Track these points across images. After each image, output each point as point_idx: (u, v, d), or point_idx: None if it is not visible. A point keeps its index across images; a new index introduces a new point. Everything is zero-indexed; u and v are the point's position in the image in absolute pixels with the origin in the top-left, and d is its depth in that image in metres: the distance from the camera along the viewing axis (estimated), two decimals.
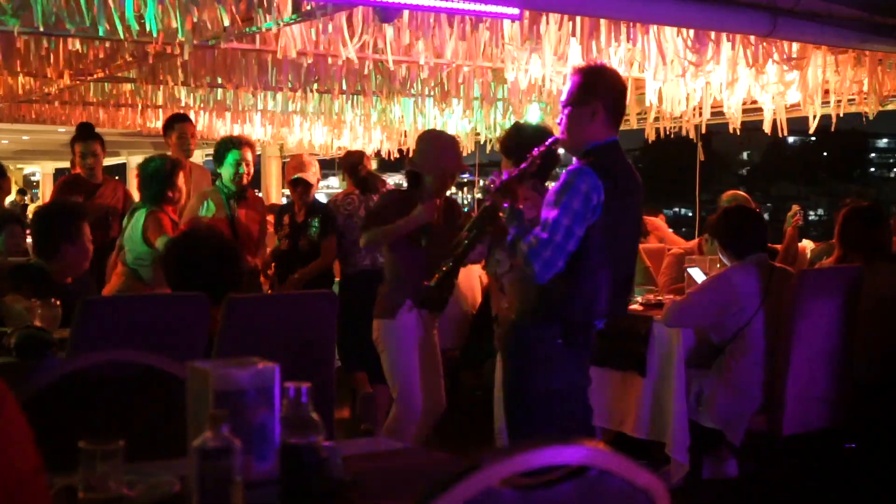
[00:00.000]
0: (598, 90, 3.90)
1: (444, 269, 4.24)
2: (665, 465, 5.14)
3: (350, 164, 7.15)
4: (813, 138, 40.44)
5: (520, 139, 4.74)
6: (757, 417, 4.97)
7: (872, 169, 52.97)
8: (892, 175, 52.13)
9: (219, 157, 6.19)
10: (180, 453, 1.87)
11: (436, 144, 5.28)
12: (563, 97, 3.98)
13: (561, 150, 4.19)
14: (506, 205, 3.90)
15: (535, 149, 3.96)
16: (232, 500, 1.70)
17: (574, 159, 3.95)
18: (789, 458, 5.14)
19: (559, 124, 4.01)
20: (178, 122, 7.35)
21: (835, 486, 5.19)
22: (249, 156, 6.21)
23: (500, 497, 1.52)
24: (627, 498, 1.60)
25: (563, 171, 3.85)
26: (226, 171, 6.16)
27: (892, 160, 53.71)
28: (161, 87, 9.10)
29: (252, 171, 6.31)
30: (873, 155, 53.03)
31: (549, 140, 4.08)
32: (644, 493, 1.61)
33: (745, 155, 48.60)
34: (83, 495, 1.87)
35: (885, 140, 51.49)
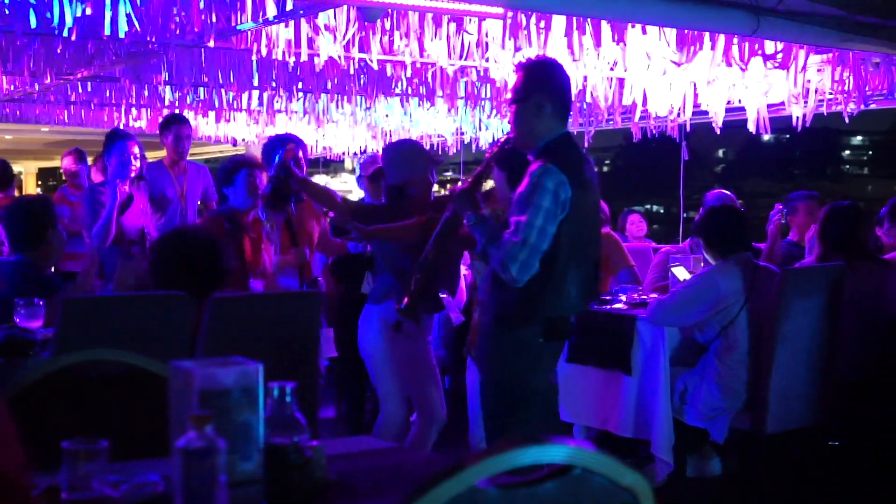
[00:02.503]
0: (541, 84, 3.90)
1: (413, 288, 4.25)
2: (650, 464, 5.15)
3: None
4: (787, 136, 40.61)
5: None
6: (741, 416, 4.99)
7: (847, 167, 53.16)
8: (866, 172, 52.25)
9: (267, 157, 5.80)
10: (164, 453, 1.87)
11: (405, 152, 5.16)
12: (508, 95, 3.99)
13: None
14: (468, 215, 3.91)
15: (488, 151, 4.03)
16: (216, 500, 1.70)
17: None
18: (773, 457, 5.15)
19: (510, 123, 4.02)
20: (174, 123, 7.22)
21: (818, 484, 5.20)
22: (299, 153, 5.93)
23: (484, 496, 1.52)
24: (612, 497, 1.61)
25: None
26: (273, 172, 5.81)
27: (864, 158, 53.87)
28: (145, 87, 9.08)
29: (305, 167, 5.96)
30: (847, 152, 53.24)
31: (502, 140, 4.11)
32: (628, 492, 1.62)
33: (720, 153, 48.66)
34: (67, 495, 1.86)
35: (859, 137, 51.64)
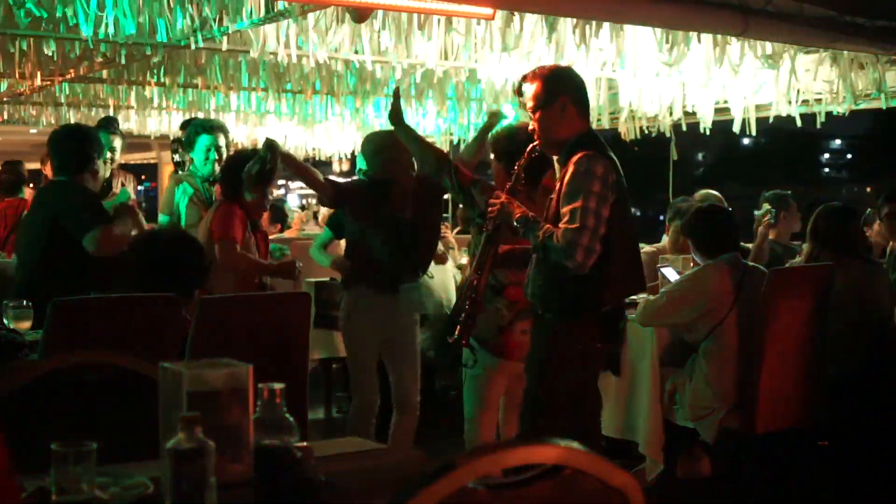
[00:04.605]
0: (560, 86, 4.03)
1: (463, 317, 4.29)
2: (640, 464, 5.15)
3: None
4: (765, 140, 40.74)
5: (512, 144, 4.69)
6: (730, 416, 4.99)
7: (826, 170, 53.33)
8: (844, 176, 52.40)
9: (189, 143, 5.83)
10: (154, 455, 1.86)
11: (385, 146, 5.20)
12: (530, 104, 4.07)
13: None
14: (518, 220, 3.98)
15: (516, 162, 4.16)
16: (206, 501, 1.69)
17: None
18: (762, 457, 5.16)
19: (533, 131, 4.11)
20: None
21: (808, 483, 5.21)
22: (222, 140, 5.80)
23: (475, 496, 1.52)
24: (602, 497, 1.60)
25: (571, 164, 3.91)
26: (197, 157, 5.78)
27: (841, 162, 54.06)
28: (134, 88, 9.05)
29: (224, 156, 5.81)
30: (826, 156, 53.45)
31: (528, 149, 4.17)
32: (618, 493, 1.61)
33: (700, 156, 48.72)
34: (55, 498, 1.85)
35: (837, 141, 51.82)
